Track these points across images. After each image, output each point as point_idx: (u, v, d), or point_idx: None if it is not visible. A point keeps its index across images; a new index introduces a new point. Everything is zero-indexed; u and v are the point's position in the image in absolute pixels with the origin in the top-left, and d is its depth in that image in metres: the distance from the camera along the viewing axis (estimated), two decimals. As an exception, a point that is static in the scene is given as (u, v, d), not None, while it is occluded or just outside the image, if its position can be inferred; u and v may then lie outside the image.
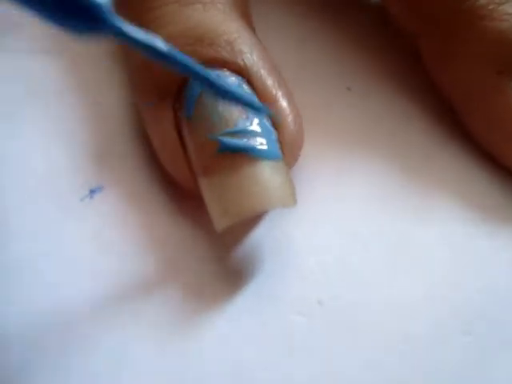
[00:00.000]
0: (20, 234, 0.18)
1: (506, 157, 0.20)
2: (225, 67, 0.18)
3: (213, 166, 0.17)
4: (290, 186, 0.17)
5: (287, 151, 0.18)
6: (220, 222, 0.17)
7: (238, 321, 0.17)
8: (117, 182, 0.19)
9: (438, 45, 0.20)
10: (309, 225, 0.19)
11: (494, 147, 0.20)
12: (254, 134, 0.17)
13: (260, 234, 0.19)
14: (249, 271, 0.18)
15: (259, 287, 0.18)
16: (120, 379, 0.16)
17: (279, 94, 0.18)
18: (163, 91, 0.18)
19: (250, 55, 0.18)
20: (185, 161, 0.18)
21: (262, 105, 0.17)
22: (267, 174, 0.17)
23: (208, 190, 0.17)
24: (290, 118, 0.18)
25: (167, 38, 0.18)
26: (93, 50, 0.22)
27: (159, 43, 0.15)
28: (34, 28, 0.23)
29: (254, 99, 0.17)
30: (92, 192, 0.19)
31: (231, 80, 0.18)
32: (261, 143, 0.17)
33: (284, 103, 0.18)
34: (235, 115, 0.17)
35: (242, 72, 0.18)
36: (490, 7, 0.19)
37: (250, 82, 0.18)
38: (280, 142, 0.18)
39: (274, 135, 0.18)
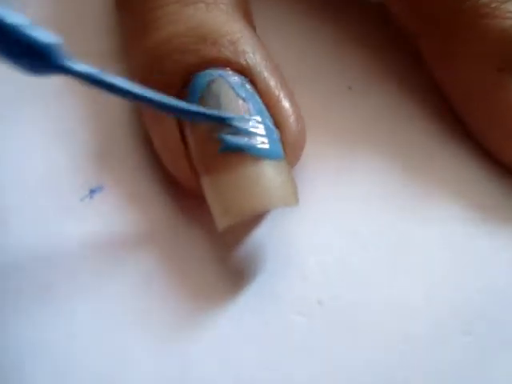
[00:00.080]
0: (20, 234, 0.18)
1: (506, 154, 0.20)
2: (228, 67, 0.18)
3: (215, 164, 0.17)
4: (292, 186, 0.17)
5: (289, 151, 0.18)
6: (221, 221, 0.17)
7: (239, 320, 0.17)
8: (117, 182, 0.19)
9: (438, 43, 0.20)
10: (309, 224, 0.19)
11: (495, 145, 0.20)
12: (255, 133, 0.17)
13: (260, 234, 0.19)
14: (249, 271, 0.18)
15: (259, 287, 0.18)
16: (120, 379, 0.17)
17: (281, 94, 0.18)
18: (165, 90, 0.18)
19: (253, 55, 0.18)
20: (186, 160, 0.18)
21: (228, 115, 0.17)
22: (269, 173, 0.17)
23: (210, 188, 0.17)
24: (292, 119, 0.18)
25: (170, 37, 0.18)
26: (93, 50, 0.22)
27: (108, 77, 0.16)
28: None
29: (222, 113, 0.17)
30: (92, 192, 0.19)
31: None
32: (263, 142, 0.17)
33: (286, 104, 0.18)
34: (239, 114, 0.17)
35: (245, 72, 0.18)
36: (493, 5, 0.19)
37: (252, 82, 0.18)
38: (282, 141, 0.18)
39: (276, 135, 0.18)
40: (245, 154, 0.17)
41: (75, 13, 0.23)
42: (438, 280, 0.18)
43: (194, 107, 0.17)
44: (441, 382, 0.17)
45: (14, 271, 0.18)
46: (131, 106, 0.21)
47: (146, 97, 0.16)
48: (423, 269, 0.18)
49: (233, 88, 0.18)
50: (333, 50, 0.22)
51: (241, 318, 0.17)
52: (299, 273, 0.18)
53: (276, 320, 0.17)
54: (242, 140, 0.17)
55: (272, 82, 0.18)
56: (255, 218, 0.19)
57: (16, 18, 0.14)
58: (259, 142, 0.17)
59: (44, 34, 0.15)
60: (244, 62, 0.18)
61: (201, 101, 0.18)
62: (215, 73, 0.18)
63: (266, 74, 0.18)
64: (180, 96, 0.18)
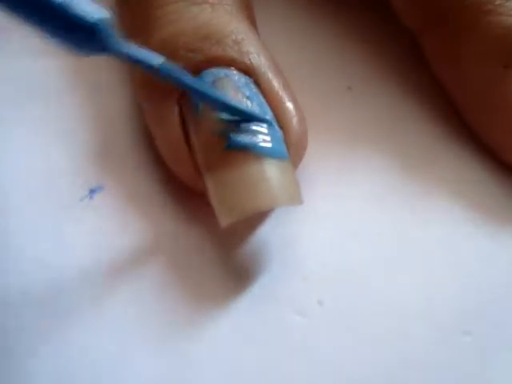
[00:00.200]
0: (20, 234, 0.18)
1: (509, 152, 0.20)
2: (232, 66, 0.18)
3: (220, 162, 0.17)
4: (296, 185, 0.18)
5: (292, 151, 0.18)
6: (225, 219, 0.17)
7: (239, 320, 0.17)
8: (117, 182, 0.19)
9: (441, 40, 0.20)
10: (309, 224, 0.19)
11: (499, 143, 0.20)
12: (260, 131, 0.17)
13: (260, 234, 0.19)
14: (249, 271, 0.18)
15: (260, 287, 0.18)
16: (120, 379, 0.16)
17: (285, 95, 0.18)
18: (169, 87, 0.18)
19: (257, 56, 0.19)
20: (189, 158, 0.18)
21: (261, 115, 0.17)
22: (274, 172, 0.17)
23: (214, 186, 0.17)
24: (295, 120, 0.18)
25: (175, 35, 0.18)
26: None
27: (154, 59, 0.16)
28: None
29: (254, 111, 0.18)
30: (92, 192, 0.19)
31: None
32: (267, 141, 0.17)
33: (289, 105, 0.18)
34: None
35: (249, 72, 0.18)
36: (497, 3, 0.19)
37: (256, 83, 0.18)
38: (286, 142, 0.18)
39: (279, 134, 0.18)
40: (250, 152, 0.17)
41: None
42: (438, 280, 0.18)
43: (230, 99, 0.17)
44: (441, 382, 0.17)
45: (14, 271, 0.18)
46: (131, 105, 0.21)
47: (184, 81, 0.16)
48: (423, 269, 0.18)
49: (238, 87, 0.18)
50: (333, 49, 0.23)
51: (241, 318, 0.17)
52: (298, 273, 0.18)
53: (276, 320, 0.17)
54: (247, 138, 0.17)
55: (275, 83, 0.18)
56: (256, 218, 0.19)
57: None
58: (264, 141, 0.17)
59: (92, 9, 0.15)
60: (248, 62, 0.18)
61: None
62: (221, 71, 0.18)
63: (269, 74, 0.18)
64: (184, 93, 0.18)
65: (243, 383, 0.17)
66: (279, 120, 0.18)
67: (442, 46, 0.20)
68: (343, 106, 0.21)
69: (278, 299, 0.18)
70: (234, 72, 0.18)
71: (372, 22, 0.23)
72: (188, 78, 0.16)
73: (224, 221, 0.17)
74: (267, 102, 0.18)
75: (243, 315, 0.17)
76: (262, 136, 0.17)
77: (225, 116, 0.17)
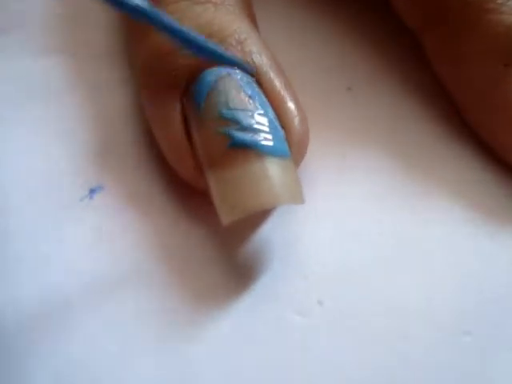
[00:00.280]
0: (20, 233, 0.18)
1: (510, 151, 0.20)
2: (234, 65, 0.18)
3: (222, 160, 0.17)
4: (298, 184, 0.18)
5: (294, 150, 0.18)
6: (226, 217, 0.17)
7: (239, 320, 0.17)
8: (117, 182, 0.19)
9: (442, 39, 0.20)
10: (309, 224, 0.19)
11: (498, 141, 0.20)
12: (262, 130, 0.17)
13: (260, 234, 0.19)
14: (249, 271, 0.18)
15: (260, 287, 0.18)
16: (120, 379, 0.16)
17: (286, 95, 0.19)
18: (172, 86, 0.18)
19: (260, 56, 0.19)
20: (191, 155, 0.18)
21: (241, 62, 0.18)
22: (276, 170, 0.17)
23: (216, 184, 0.17)
24: (296, 119, 0.18)
25: None
26: (93, 50, 0.22)
27: (160, 16, 0.16)
28: (35, 28, 0.23)
29: (229, 55, 0.18)
30: (92, 192, 0.19)
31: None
32: (268, 139, 0.17)
33: (291, 104, 0.19)
34: (246, 111, 0.17)
35: (252, 71, 0.18)
36: (499, 1, 0.19)
37: (258, 82, 0.18)
38: (287, 141, 0.18)
39: (281, 133, 0.18)
40: (252, 150, 0.17)
41: (76, 11, 0.23)
42: (438, 280, 0.18)
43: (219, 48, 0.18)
44: (441, 382, 0.17)
45: (14, 270, 0.18)
46: (131, 105, 0.21)
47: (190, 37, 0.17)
48: (423, 269, 0.18)
49: (240, 85, 0.18)
50: (334, 48, 0.23)
51: (241, 318, 0.17)
52: (299, 273, 0.18)
53: (276, 320, 0.17)
54: (249, 136, 0.17)
55: (277, 83, 0.19)
56: (256, 217, 0.19)
57: None
58: (265, 139, 0.17)
59: None
60: (251, 62, 0.18)
61: (209, 97, 0.18)
62: (223, 70, 0.18)
63: (271, 74, 0.19)
64: (186, 91, 0.18)
65: (243, 383, 0.17)
66: (281, 119, 0.18)
67: (443, 45, 0.20)
68: (344, 105, 0.21)
69: (278, 299, 0.18)
70: (237, 71, 0.18)
71: (372, 21, 0.23)
72: (177, 27, 0.17)
73: (226, 219, 0.17)
74: (269, 101, 0.18)
75: (243, 315, 0.17)
76: (264, 134, 0.17)
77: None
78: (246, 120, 0.17)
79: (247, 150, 0.17)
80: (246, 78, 0.18)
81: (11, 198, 0.19)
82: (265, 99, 0.18)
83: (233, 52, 0.18)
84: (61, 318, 0.17)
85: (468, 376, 0.17)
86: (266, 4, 0.23)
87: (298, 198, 0.17)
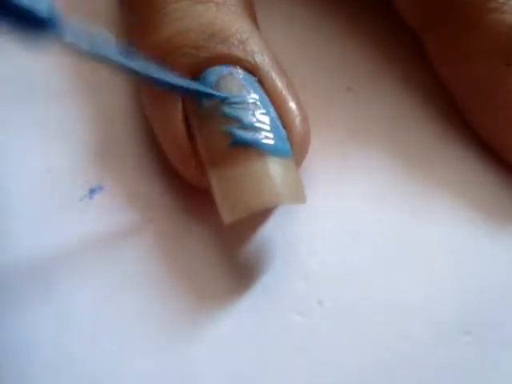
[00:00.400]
0: (20, 233, 0.18)
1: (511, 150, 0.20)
2: (237, 65, 0.18)
3: (224, 158, 0.17)
4: (300, 183, 0.18)
5: (296, 150, 0.18)
6: (228, 216, 0.17)
7: (239, 320, 0.17)
8: (117, 182, 0.19)
9: (444, 37, 0.20)
10: (309, 224, 0.19)
11: (500, 141, 0.20)
12: (264, 129, 0.17)
13: (260, 234, 0.19)
14: (249, 271, 0.18)
15: (260, 287, 0.18)
16: (120, 379, 0.16)
17: (288, 95, 0.19)
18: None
19: (261, 56, 0.19)
20: (192, 154, 0.18)
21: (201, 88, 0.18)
22: (278, 169, 0.17)
23: (218, 182, 0.17)
24: (298, 119, 0.18)
25: (181, 32, 0.19)
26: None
27: (106, 50, 0.16)
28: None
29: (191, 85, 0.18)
30: (92, 192, 0.19)
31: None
32: (269, 138, 0.17)
33: (293, 104, 0.19)
34: (247, 110, 0.18)
35: (253, 71, 0.18)
36: (501, 0, 0.19)
37: (259, 82, 0.18)
38: (289, 141, 0.18)
39: (283, 133, 0.18)
40: (254, 149, 0.17)
41: (76, 11, 0.23)
42: (438, 280, 0.18)
43: (193, 84, 0.18)
44: (441, 382, 0.17)
45: (14, 271, 0.18)
46: (131, 105, 0.21)
47: (141, 72, 0.16)
48: (423, 269, 0.18)
49: (242, 85, 0.18)
50: (334, 48, 0.23)
51: (241, 318, 0.17)
52: (299, 273, 0.18)
53: (276, 320, 0.17)
54: (251, 135, 0.17)
55: (279, 83, 0.19)
56: (256, 218, 0.19)
57: None
58: (267, 138, 0.17)
59: (41, 5, 0.15)
60: (253, 61, 0.18)
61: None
62: (225, 69, 0.18)
63: (273, 74, 0.19)
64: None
65: (243, 383, 0.17)
66: (282, 119, 0.18)
67: (444, 45, 0.20)
68: (344, 104, 0.21)
69: (278, 299, 0.18)
70: (239, 70, 0.18)
71: (373, 20, 0.23)
72: (128, 61, 0.17)
73: (227, 218, 0.17)
74: (270, 101, 0.18)
75: (243, 315, 0.17)
76: (266, 133, 0.17)
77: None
78: (247, 118, 0.17)
79: (249, 148, 0.17)
80: (249, 78, 0.18)
81: (11, 198, 0.19)
82: (266, 99, 0.18)
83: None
84: (60, 318, 0.17)
85: (468, 376, 0.17)
86: (266, 3, 0.23)
87: (299, 197, 0.17)
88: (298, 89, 0.19)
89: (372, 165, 0.20)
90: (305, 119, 0.19)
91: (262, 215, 0.19)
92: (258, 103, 0.18)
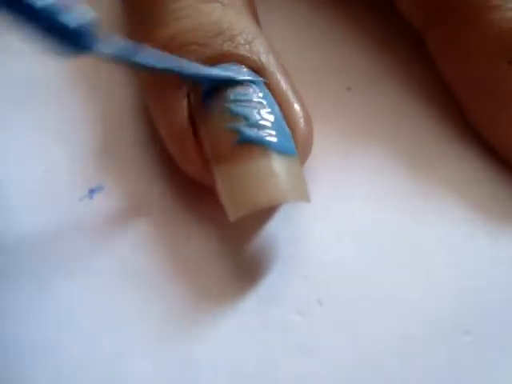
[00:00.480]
0: (20, 233, 0.18)
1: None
2: (243, 64, 0.18)
3: (230, 155, 0.17)
4: (304, 182, 0.18)
5: (300, 150, 0.18)
6: (234, 213, 0.17)
7: (239, 320, 0.17)
8: (117, 182, 0.19)
9: (446, 35, 0.20)
10: (310, 224, 0.19)
11: (501, 140, 0.20)
12: (269, 127, 0.17)
13: (260, 235, 0.19)
14: (249, 271, 0.18)
15: (259, 287, 0.18)
16: (120, 379, 0.16)
17: (292, 96, 0.19)
18: (178, 81, 0.18)
19: (267, 56, 0.19)
20: (197, 151, 0.18)
21: (233, 74, 0.18)
22: (284, 167, 0.17)
23: (224, 179, 0.17)
24: (302, 120, 0.19)
25: (188, 29, 0.19)
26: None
27: (142, 57, 0.16)
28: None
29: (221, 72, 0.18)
30: (92, 192, 0.19)
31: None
32: (276, 137, 0.17)
33: (297, 105, 0.19)
34: (253, 108, 0.18)
35: (259, 71, 0.19)
36: None
37: (265, 82, 0.19)
38: (294, 141, 0.18)
39: (288, 132, 0.18)
40: (260, 146, 0.17)
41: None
42: (438, 280, 0.18)
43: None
44: (441, 382, 0.17)
45: (14, 271, 0.18)
46: (132, 105, 0.21)
47: (179, 71, 0.17)
48: (423, 269, 0.18)
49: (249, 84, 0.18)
50: (334, 48, 0.23)
51: (241, 318, 0.17)
52: (299, 273, 0.18)
53: (276, 320, 0.17)
54: (258, 133, 0.17)
55: (283, 84, 0.19)
56: (256, 218, 0.19)
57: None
58: (273, 137, 0.17)
59: (74, 15, 0.15)
60: (259, 61, 0.19)
61: (217, 94, 0.18)
62: (233, 67, 0.18)
63: (278, 75, 0.19)
64: (191, 88, 0.18)
65: (243, 383, 0.17)
66: (287, 120, 0.18)
67: (447, 43, 0.20)
68: (344, 104, 0.21)
69: (278, 299, 0.18)
70: (245, 70, 0.18)
71: (373, 20, 0.23)
72: (189, 69, 0.17)
73: (233, 215, 0.17)
74: (275, 101, 0.18)
75: (243, 315, 0.17)
76: (271, 132, 0.17)
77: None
78: (254, 116, 0.17)
79: (255, 146, 0.17)
80: (254, 76, 0.18)
81: (11, 198, 0.19)
82: (272, 98, 0.18)
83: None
84: (60, 318, 0.17)
85: (468, 376, 0.17)
86: (266, 3, 0.23)
87: (304, 195, 0.17)
88: (298, 89, 0.19)
89: (372, 165, 0.20)
90: (308, 120, 0.19)
91: (261, 215, 0.19)
92: (264, 102, 0.18)
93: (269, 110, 0.18)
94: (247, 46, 0.19)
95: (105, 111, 0.21)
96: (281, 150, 0.17)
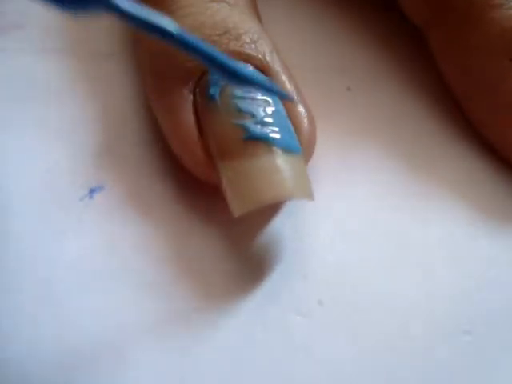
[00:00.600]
0: (20, 234, 0.18)
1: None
2: (249, 62, 0.19)
3: (237, 152, 0.17)
4: (309, 180, 0.18)
5: (304, 149, 0.18)
6: (239, 208, 0.17)
7: (239, 320, 0.17)
8: (117, 182, 0.19)
9: (448, 33, 0.20)
10: (309, 224, 0.19)
11: (502, 139, 0.20)
12: (276, 124, 0.18)
13: (260, 235, 0.19)
14: (249, 271, 0.18)
15: (259, 287, 0.18)
16: (120, 378, 0.16)
17: (297, 95, 0.19)
18: (186, 75, 0.18)
19: (271, 55, 0.19)
20: (202, 148, 0.18)
21: (276, 87, 0.18)
22: (290, 165, 0.17)
23: (230, 174, 0.17)
24: (306, 120, 0.19)
25: (195, 27, 0.19)
26: (93, 50, 0.22)
27: (167, 23, 0.15)
28: (35, 28, 0.23)
29: (270, 83, 0.18)
30: (92, 192, 0.19)
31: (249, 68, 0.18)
32: (282, 134, 0.18)
33: (300, 105, 0.19)
34: (260, 105, 0.18)
35: (265, 70, 0.19)
36: None
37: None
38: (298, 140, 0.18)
39: (293, 131, 0.18)
40: (267, 143, 0.17)
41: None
42: (438, 280, 0.18)
43: (248, 71, 0.17)
44: (441, 382, 0.17)
45: (14, 271, 0.18)
46: (132, 105, 0.21)
47: (200, 48, 0.15)
48: (423, 269, 0.18)
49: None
50: (334, 48, 0.23)
51: (241, 318, 0.17)
52: (298, 273, 0.18)
53: (275, 320, 0.17)
54: (265, 130, 0.17)
55: (288, 85, 0.19)
56: (256, 218, 0.19)
57: None
58: (279, 134, 0.17)
59: None
60: (264, 61, 0.19)
61: (224, 89, 0.18)
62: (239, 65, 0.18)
63: (283, 76, 0.19)
64: (197, 84, 0.18)
65: (243, 383, 0.17)
66: (291, 119, 0.18)
67: (449, 42, 0.20)
68: (344, 105, 0.21)
69: (278, 299, 0.18)
70: (251, 68, 0.18)
71: (374, 20, 0.23)
72: (206, 47, 0.16)
73: (237, 211, 0.17)
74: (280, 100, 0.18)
75: (243, 315, 0.17)
76: (277, 129, 0.18)
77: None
78: (260, 114, 0.18)
79: (262, 143, 0.17)
80: (261, 75, 0.18)
81: (11, 198, 0.19)
82: (278, 99, 0.18)
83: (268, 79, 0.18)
84: (60, 317, 0.17)
85: (468, 376, 0.17)
86: (266, 3, 0.23)
87: (308, 193, 0.18)
88: (300, 88, 0.19)
89: (372, 164, 0.20)
90: (312, 120, 0.19)
91: (262, 215, 0.19)
92: (270, 100, 0.18)
93: (274, 108, 0.18)
94: (253, 45, 0.19)
95: (105, 111, 0.21)
96: (286, 148, 0.17)
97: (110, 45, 0.22)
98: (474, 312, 0.18)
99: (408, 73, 0.22)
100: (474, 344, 0.17)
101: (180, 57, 0.18)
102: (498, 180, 0.20)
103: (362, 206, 0.19)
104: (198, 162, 0.18)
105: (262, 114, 0.18)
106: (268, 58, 0.19)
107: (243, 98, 0.18)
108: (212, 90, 0.18)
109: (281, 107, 0.18)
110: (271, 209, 0.19)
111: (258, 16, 0.21)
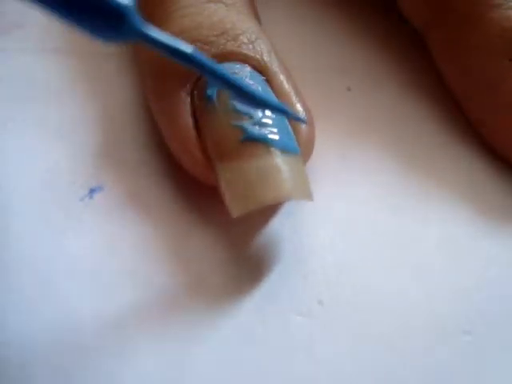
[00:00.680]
0: (20, 234, 0.18)
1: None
2: (246, 63, 0.19)
3: (235, 153, 0.17)
4: (308, 181, 0.18)
5: (302, 150, 0.18)
6: (238, 209, 0.17)
7: (238, 320, 0.17)
8: (117, 182, 0.19)
9: (448, 33, 0.20)
10: (309, 224, 0.19)
11: (501, 139, 0.20)
12: (274, 126, 0.18)
13: (260, 235, 0.19)
14: (249, 271, 0.18)
15: (259, 287, 0.18)
16: (120, 379, 0.16)
17: (295, 96, 0.19)
18: (184, 77, 0.18)
19: (269, 55, 0.19)
20: (200, 149, 0.18)
21: (288, 109, 0.18)
22: (288, 165, 0.17)
23: (228, 176, 0.17)
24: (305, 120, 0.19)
25: (193, 28, 0.19)
26: (93, 49, 0.22)
27: (183, 46, 0.15)
28: (35, 28, 0.23)
29: (282, 104, 0.18)
30: (92, 192, 0.19)
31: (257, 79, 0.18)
32: (281, 135, 0.18)
33: (299, 105, 0.19)
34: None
35: (262, 70, 0.19)
36: None
37: (268, 82, 0.19)
38: (296, 140, 0.18)
39: (291, 131, 0.18)
40: (265, 144, 0.17)
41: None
42: (438, 280, 0.18)
43: (260, 92, 0.17)
44: (441, 381, 0.17)
45: (15, 270, 0.18)
46: (132, 105, 0.21)
47: (213, 69, 0.16)
48: (423, 269, 0.18)
49: (253, 82, 0.18)
50: (333, 48, 0.23)
51: (241, 318, 0.17)
52: (298, 273, 0.18)
53: (275, 320, 0.17)
54: (263, 131, 0.17)
55: (286, 84, 0.19)
56: (256, 218, 0.19)
57: None
58: (278, 135, 0.17)
59: None
60: (262, 61, 0.19)
61: (221, 91, 0.18)
62: (235, 66, 0.18)
63: (281, 76, 0.19)
64: (196, 84, 0.18)
65: (243, 383, 0.17)
66: (290, 120, 0.18)
67: (449, 42, 0.20)
68: (344, 105, 0.21)
69: (278, 299, 0.18)
70: (248, 69, 0.18)
71: (374, 20, 0.23)
72: (219, 68, 0.16)
73: (236, 211, 0.17)
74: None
75: (243, 315, 0.17)
76: (275, 130, 0.18)
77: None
78: (259, 114, 0.18)
79: (260, 143, 0.17)
80: (257, 76, 0.18)
81: (11, 198, 0.19)
82: (275, 99, 0.18)
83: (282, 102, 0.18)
84: (60, 317, 0.17)
85: (468, 376, 0.17)
86: (266, 3, 0.23)
87: (307, 194, 0.18)
88: (300, 88, 0.19)
89: (372, 165, 0.20)
90: (310, 119, 0.19)
91: (262, 215, 0.19)
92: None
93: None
94: (250, 46, 0.19)
95: (105, 111, 0.21)
96: (284, 148, 0.17)
97: (109, 45, 0.22)
98: (474, 312, 0.18)
99: (408, 73, 0.22)
100: (474, 344, 0.17)
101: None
102: (498, 180, 0.20)
103: (362, 206, 0.19)
104: (196, 163, 0.18)
105: (260, 114, 0.18)
106: (266, 58, 0.19)
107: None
108: (209, 92, 0.18)
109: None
110: (270, 209, 0.19)
111: (257, 16, 0.21)
